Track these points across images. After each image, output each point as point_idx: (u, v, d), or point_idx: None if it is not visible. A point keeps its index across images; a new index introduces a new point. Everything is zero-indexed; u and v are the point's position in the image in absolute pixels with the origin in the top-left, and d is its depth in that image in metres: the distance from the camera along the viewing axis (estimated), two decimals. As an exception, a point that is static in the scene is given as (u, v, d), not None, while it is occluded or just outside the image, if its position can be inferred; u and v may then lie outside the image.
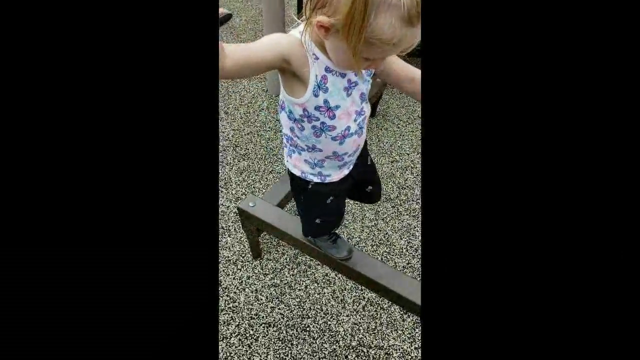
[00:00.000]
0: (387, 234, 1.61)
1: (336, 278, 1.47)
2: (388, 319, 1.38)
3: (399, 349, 1.31)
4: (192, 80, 0.30)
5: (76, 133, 0.28)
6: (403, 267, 1.50)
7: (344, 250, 1.19)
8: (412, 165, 1.86)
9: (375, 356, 1.30)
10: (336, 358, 1.29)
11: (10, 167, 0.27)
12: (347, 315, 1.38)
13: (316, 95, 0.72)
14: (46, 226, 0.28)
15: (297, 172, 0.93)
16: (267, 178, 1.80)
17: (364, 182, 1.10)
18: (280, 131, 1.82)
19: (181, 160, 0.30)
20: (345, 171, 0.95)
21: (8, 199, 0.27)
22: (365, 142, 0.98)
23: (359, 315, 1.39)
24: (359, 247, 1.56)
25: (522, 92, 0.29)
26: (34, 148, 0.27)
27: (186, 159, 0.30)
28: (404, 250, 1.55)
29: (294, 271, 1.49)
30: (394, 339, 1.33)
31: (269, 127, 2.06)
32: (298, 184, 0.96)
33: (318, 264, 1.49)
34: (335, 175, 0.93)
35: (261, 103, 2.19)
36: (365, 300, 1.42)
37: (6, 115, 0.27)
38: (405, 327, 1.36)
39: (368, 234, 1.61)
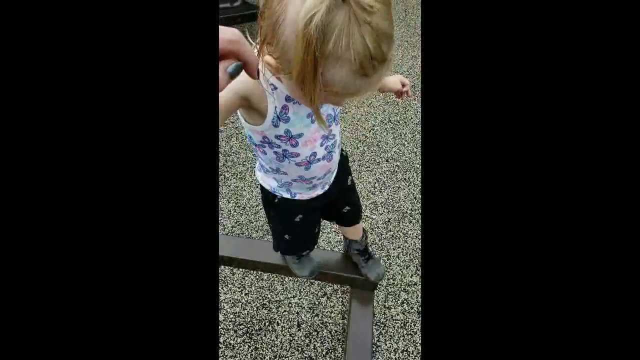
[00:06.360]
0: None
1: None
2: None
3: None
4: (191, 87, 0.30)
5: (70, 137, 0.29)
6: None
7: (307, 269, 1.18)
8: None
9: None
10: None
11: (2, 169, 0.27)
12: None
13: (276, 126, 0.67)
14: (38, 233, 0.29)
15: (265, 186, 0.90)
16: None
17: (340, 202, 1.03)
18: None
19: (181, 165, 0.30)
20: (319, 191, 0.90)
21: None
22: (347, 160, 0.97)
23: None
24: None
25: (522, 94, 0.29)
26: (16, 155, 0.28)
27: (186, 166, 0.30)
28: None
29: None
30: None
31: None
32: (267, 198, 0.93)
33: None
34: (306, 194, 0.88)
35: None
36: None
37: None
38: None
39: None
